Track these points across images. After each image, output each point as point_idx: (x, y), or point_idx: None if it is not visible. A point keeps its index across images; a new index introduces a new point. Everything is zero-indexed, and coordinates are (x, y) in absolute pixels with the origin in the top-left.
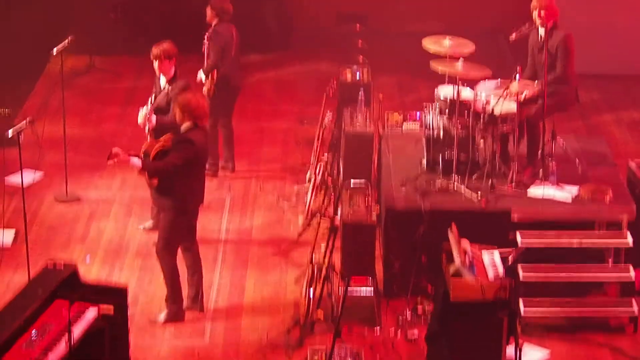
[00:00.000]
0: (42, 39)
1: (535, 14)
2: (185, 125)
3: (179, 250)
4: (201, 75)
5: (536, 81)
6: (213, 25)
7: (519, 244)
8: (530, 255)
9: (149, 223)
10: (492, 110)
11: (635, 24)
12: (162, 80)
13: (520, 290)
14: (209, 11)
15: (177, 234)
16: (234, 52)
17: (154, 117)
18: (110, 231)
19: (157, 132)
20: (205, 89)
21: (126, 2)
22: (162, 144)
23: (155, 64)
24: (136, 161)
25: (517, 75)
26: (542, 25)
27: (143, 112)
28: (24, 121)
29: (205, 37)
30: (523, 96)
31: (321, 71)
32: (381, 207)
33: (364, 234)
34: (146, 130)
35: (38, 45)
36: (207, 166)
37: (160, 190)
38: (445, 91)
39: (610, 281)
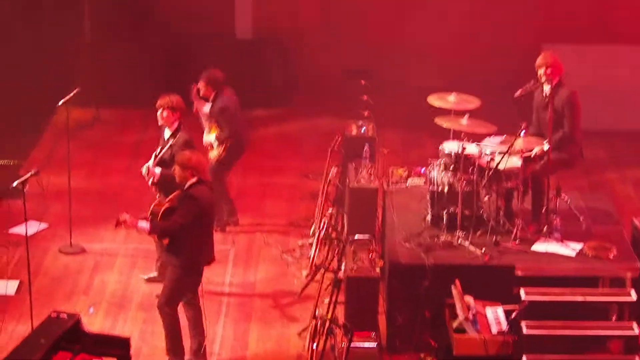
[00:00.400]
0: (49, 91)
1: (540, 71)
2: (188, 184)
3: (181, 303)
4: (210, 140)
5: (546, 140)
6: (212, 98)
7: (523, 300)
8: (534, 311)
9: (153, 274)
10: (497, 166)
11: (638, 81)
12: (167, 133)
13: (523, 345)
14: (202, 87)
15: (182, 291)
16: (239, 114)
17: (157, 170)
18: (114, 283)
19: (161, 185)
20: (214, 154)
21: (132, 56)
22: (169, 203)
23: (159, 114)
24: (144, 224)
25: (523, 132)
26: (548, 83)
27: (147, 165)
28: (30, 172)
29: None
30: (533, 153)
31: (326, 126)
32: (385, 262)
33: (367, 288)
34: (149, 183)
35: (44, 97)
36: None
37: (169, 248)
38: (450, 147)
39: (613, 337)
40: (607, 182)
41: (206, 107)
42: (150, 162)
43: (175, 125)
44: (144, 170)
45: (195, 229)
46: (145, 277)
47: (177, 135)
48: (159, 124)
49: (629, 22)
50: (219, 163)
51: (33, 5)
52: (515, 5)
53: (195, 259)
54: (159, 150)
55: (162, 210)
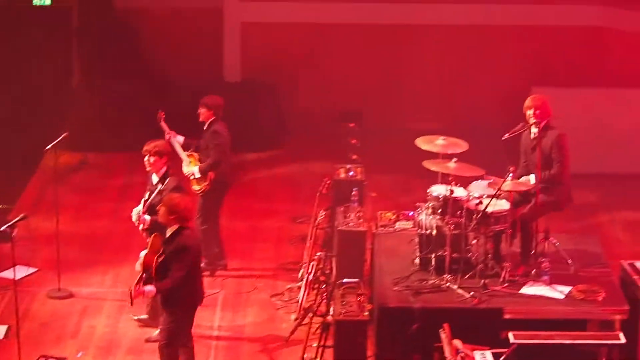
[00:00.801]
0: (37, 135)
1: (529, 113)
2: (172, 229)
3: None
4: (192, 170)
5: (533, 175)
6: (209, 123)
7: (512, 343)
8: (523, 354)
9: (143, 315)
10: (485, 209)
11: (627, 124)
12: (155, 178)
13: None
14: (204, 110)
15: (180, 330)
16: (228, 150)
17: (147, 217)
18: (102, 327)
19: (152, 231)
20: (199, 187)
21: (121, 101)
22: (157, 257)
23: (146, 160)
24: (150, 288)
25: (510, 175)
26: (536, 125)
27: (136, 210)
28: (18, 217)
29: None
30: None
31: (315, 169)
32: (374, 305)
33: (356, 332)
34: (140, 229)
35: (32, 141)
36: (204, 265)
37: (166, 296)
38: (438, 190)
39: None
40: (595, 225)
41: (180, 138)
42: (140, 208)
43: (163, 170)
44: (134, 216)
45: (189, 273)
46: (135, 317)
47: (166, 181)
48: (147, 169)
49: (619, 65)
50: (205, 199)
51: (22, 50)
52: (505, 48)
53: (190, 300)
54: (147, 195)
55: (155, 264)
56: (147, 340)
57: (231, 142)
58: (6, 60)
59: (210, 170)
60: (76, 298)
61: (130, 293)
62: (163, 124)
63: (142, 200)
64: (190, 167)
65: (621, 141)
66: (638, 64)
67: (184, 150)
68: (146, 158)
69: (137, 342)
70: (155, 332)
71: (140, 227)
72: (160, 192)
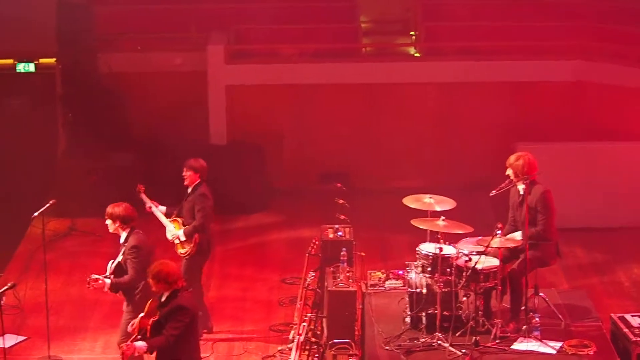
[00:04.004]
0: (24, 202)
1: (509, 172)
2: (167, 294)
3: None
4: (177, 234)
5: (519, 232)
6: (195, 186)
7: None
8: None
9: None
10: (475, 266)
11: (613, 178)
12: (122, 238)
13: None
14: (190, 173)
15: None
16: (212, 212)
17: (107, 280)
18: None
19: (122, 291)
20: (184, 250)
21: (106, 165)
22: (152, 318)
23: (107, 222)
24: (141, 344)
25: (499, 232)
26: (522, 182)
27: (90, 279)
28: (6, 285)
29: (197, 198)
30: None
31: (303, 230)
32: None
33: None
34: (105, 289)
35: (19, 209)
36: None
37: (161, 358)
38: (427, 248)
39: None
40: (584, 278)
41: (162, 207)
42: (108, 270)
43: (126, 231)
44: (88, 283)
45: (186, 335)
46: None
47: (128, 241)
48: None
49: (602, 119)
50: (190, 262)
51: (6, 116)
52: (487, 105)
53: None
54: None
55: (149, 325)
56: None
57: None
58: None
59: (195, 232)
60: None
61: (122, 349)
62: (143, 196)
63: (109, 262)
64: (175, 231)
65: (608, 196)
66: (620, 116)
67: (167, 217)
68: (106, 221)
69: None
70: None
71: (106, 288)
72: (123, 252)
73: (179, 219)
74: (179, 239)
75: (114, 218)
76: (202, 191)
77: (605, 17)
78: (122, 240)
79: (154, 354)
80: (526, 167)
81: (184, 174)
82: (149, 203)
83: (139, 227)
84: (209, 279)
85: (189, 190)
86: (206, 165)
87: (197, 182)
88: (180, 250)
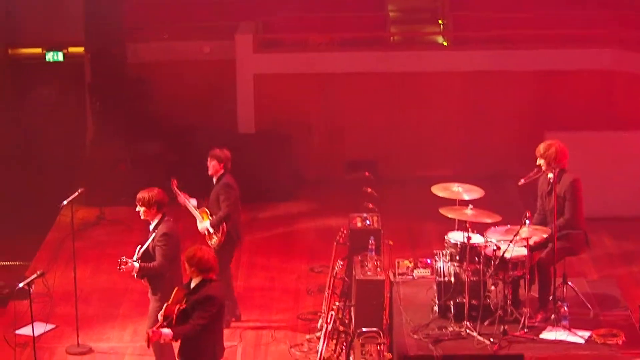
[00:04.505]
0: (53, 191)
1: (540, 162)
2: (196, 281)
3: None
4: (205, 226)
5: (546, 227)
6: (219, 176)
7: None
8: None
9: None
10: (503, 255)
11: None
12: (152, 224)
13: None
14: (215, 164)
15: None
16: (239, 202)
17: (135, 264)
18: None
19: (147, 277)
20: (214, 241)
21: (134, 154)
22: (178, 306)
23: (140, 209)
24: (167, 332)
25: (527, 221)
26: (551, 171)
27: (120, 261)
28: (35, 273)
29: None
30: (532, 242)
31: (331, 219)
32: (393, 355)
33: None
34: (135, 277)
35: (48, 198)
36: None
37: (185, 346)
38: (455, 237)
39: None
40: (612, 268)
41: (193, 201)
42: (136, 255)
43: (158, 218)
44: (119, 265)
45: (211, 325)
46: None
47: (158, 228)
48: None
49: (632, 109)
50: (220, 253)
51: (36, 106)
52: (517, 94)
53: (211, 353)
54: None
55: (175, 314)
56: None
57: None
58: (20, 115)
59: (221, 222)
60: (95, 353)
61: (148, 335)
62: (175, 189)
63: (137, 247)
64: (203, 224)
65: (635, 184)
66: None
67: (197, 209)
68: (137, 208)
69: None
70: None
71: (134, 274)
72: (153, 239)
73: (207, 210)
74: (208, 231)
75: (147, 203)
76: (226, 181)
77: (637, 6)
78: (151, 227)
79: (178, 342)
80: (557, 155)
81: (208, 163)
82: (181, 196)
83: (170, 215)
84: (237, 268)
85: (214, 180)
86: (230, 156)
87: (221, 172)
88: (210, 242)
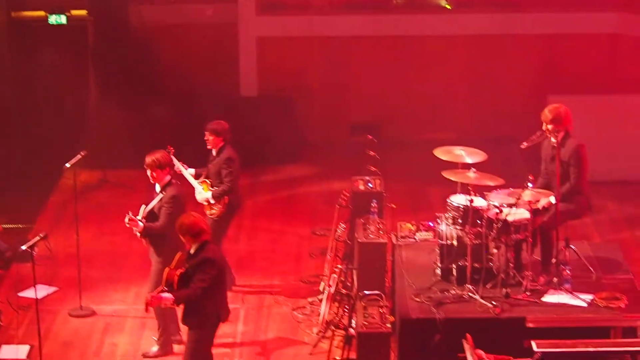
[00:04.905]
0: (55, 154)
1: (547, 126)
2: (195, 247)
3: None
4: (206, 196)
5: (552, 197)
6: (219, 149)
7: (535, 352)
8: None
9: (154, 348)
10: (505, 218)
11: None
12: (158, 187)
13: None
14: (212, 137)
15: (205, 350)
16: (239, 172)
17: (140, 223)
18: (124, 345)
19: (150, 238)
20: (214, 211)
21: (139, 117)
22: (180, 270)
23: (148, 172)
24: (167, 296)
25: (530, 184)
26: (555, 135)
27: (130, 214)
28: (38, 236)
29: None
30: (540, 205)
31: (333, 181)
32: (396, 317)
33: (378, 344)
34: (138, 235)
35: (51, 160)
36: None
37: (187, 310)
38: (458, 200)
39: None
40: (615, 231)
41: (190, 170)
42: (140, 214)
43: (166, 180)
44: (126, 219)
45: (213, 288)
46: (150, 353)
47: (166, 190)
48: (152, 183)
49: (634, 71)
50: (218, 223)
51: (39, 68)
52: (520, 57)
53: (214, 316)
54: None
55: (176, 278)
56: (144, 355)
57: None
58: (23, 79)
59: (224, 195)
60: (98, 316)
61: (147, 299)
62: (172, 158)
63: (142, 206)
64: (204, 194)
65: (636, 147)
66: None
67: (196, 179)
68: (148, 172)
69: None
70: (154, 348)
71: (137, 233)
72: (160, 200)
73: (207, 181)
74: (209, 202)
75: (155, 166)
76: (227, 155)
77: None
78: (158, 189)
79: (182, 307)
80: (562, 118)
81: (206, 138)
82: (178, 164)
83: None
84: (239, 231)
85: (214, 152)
86: (228, 127)
87: (220, 145)
88: (210, 212)
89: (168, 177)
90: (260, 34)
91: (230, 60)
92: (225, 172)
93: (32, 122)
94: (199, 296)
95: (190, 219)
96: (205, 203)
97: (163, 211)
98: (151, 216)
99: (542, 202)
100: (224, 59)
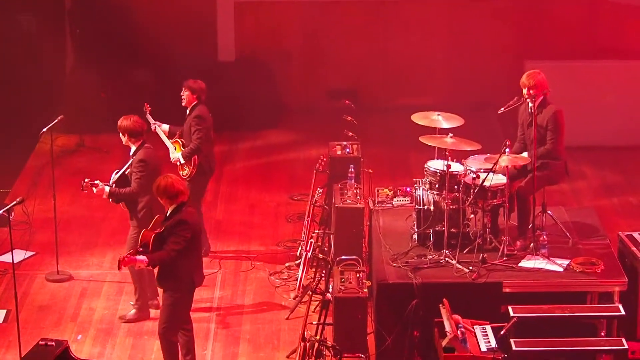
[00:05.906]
0: (32, 118)
1: (524, 89)
2: (171, 209)
3: None
4: (177, 157)
5: (526, 153)
6: (192, 107)
7: (512, 316)
8: (523, 327)
9: (132, 311)
10: (482, 183)
11: (625, 97)
12: (131, 150)
13: None
14: (188, 94)
15: (181, 314)
16: (211, 134)
17: (106, 188)
18: (101, 309)
19: (124, 203)
20: (185, 172)
21: (116, 82)
22: (156, 232)
23: (121, 135)
24: (141, 258)
25: (507, 149)
26: (532, 101)
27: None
28: (15, 201)
29: (193, 120)
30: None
31: (310, 147)
32: (372, 282)
33: (355, 309)
34: (110, 201)
35: (28, 125)
36: None
37: (163, 274)
38: (435, 165)
39: (603, 352)
40: (592, 197)
41: (165, 126)
42: (112, 179)
43: (137, 144)
44: (91, 187)
45: (187, 252)
46: (127, 317)
47: (136, 155)
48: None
49: (613, 37)
50: (192, 184)
51: (15, 34)
52: (498, 23)
53: (189, 280)
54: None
55: (151, 239)
56: (121, 319)
57: (213, 126)
58: None
59: (193, 154)
60: (75, 280)
61: (120, 259)
62: (149, 116)
63: (114, 172)
64: (175, 154)
65: (617, 113)
66: (631, 35)
67: (169, 138)
68: (120, 135)
69: (136, 323)
70: (131, 312)
71: (108, 199)
72: (130, 164)
73: (180, 141)
74: (179, 162)
75: (122, 130)
76: (198, 113)
77: None
78: (131, 152)
79: (156, 268)
80: (540, 84)
81: (181, 94)
82: (153, 123)
83: (149, 144)
84: (216, 197)
85: (187, 111)
86: (205, 87)
87: (194, 102)
88: (182, 173)
89: (140, 142)
90: None
91: (207, 25)
92: (194, 130)
93: (9, 87)
94: (173, 258)
95: (167, 180)
96: (178, 164)
97: (133, 176)
98: (123, 181)
99: (520, 162)
100: (201, 23)
